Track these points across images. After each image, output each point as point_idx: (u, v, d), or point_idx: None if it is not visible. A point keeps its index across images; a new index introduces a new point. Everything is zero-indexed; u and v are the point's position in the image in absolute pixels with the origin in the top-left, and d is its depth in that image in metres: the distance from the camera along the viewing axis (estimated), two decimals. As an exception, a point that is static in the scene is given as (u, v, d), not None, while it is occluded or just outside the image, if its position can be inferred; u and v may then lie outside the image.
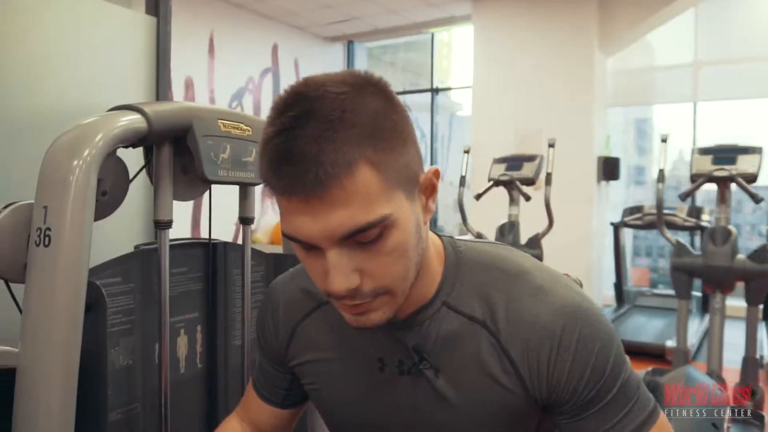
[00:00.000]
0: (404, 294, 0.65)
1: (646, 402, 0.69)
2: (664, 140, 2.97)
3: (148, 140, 0.99)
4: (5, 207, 0.91)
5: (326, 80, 0.60)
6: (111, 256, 1.05)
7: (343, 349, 0.78)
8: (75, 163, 0.87)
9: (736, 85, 5.76)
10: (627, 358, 0.70)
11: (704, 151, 2.90)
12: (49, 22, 1.19)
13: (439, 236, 0.75)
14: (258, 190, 1.23)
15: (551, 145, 3.42)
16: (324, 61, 6.89)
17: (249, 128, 1.13)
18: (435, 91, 6.73)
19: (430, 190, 0.66)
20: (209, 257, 1.26)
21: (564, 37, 5.62)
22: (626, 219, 5.29)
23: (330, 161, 0.56)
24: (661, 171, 2.93)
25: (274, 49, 6.25)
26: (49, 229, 0.86)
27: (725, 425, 1.74)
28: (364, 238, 0.59)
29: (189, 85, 5.17)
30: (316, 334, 0.80)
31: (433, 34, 6.73)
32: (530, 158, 3.57)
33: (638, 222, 5.24)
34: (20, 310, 0.92)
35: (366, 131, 0.58)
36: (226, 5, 5.61)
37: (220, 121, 1.07)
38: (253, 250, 1.31)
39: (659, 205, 2.89)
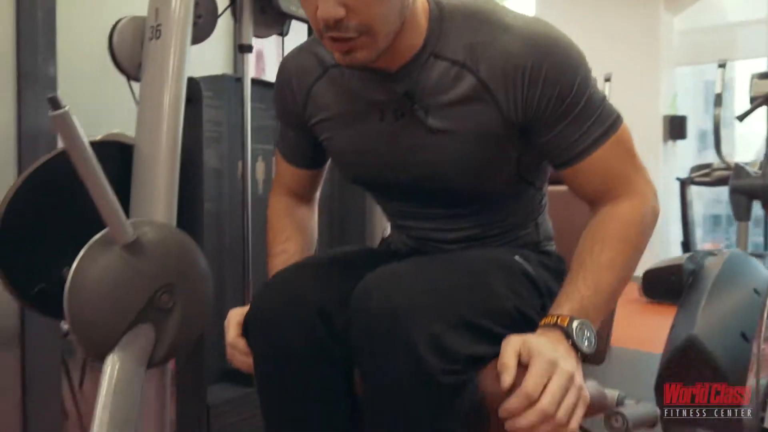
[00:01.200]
0: (386, 38, 0.75)
1: (609, 113, 0.82)
2: (722, 65, 2.98)
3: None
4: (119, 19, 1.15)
5: None
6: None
7: (349, 104, 0.89)
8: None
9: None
10: (593, 77, 0.83)
11: (763, 76, 2.89)
12: None
13: None
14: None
15: (607, 80, 3.45)
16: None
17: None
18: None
19: None
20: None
21: (629, -2, 5.59)
22: (693, 176, 5.20)
23: None
24: (718, 95, 2.95)
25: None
26: (159, 25, 1.09)
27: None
28: None
29: None
30: (326, 95, 0.92)
31: None
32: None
33: (706, 179, 5.14)
34: (137, 103, 1.15)
35: None
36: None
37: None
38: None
39: (716, 127, 2.90)
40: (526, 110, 0.79)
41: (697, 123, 6.63)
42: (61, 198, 1.04)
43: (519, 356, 0.67)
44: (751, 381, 1.74)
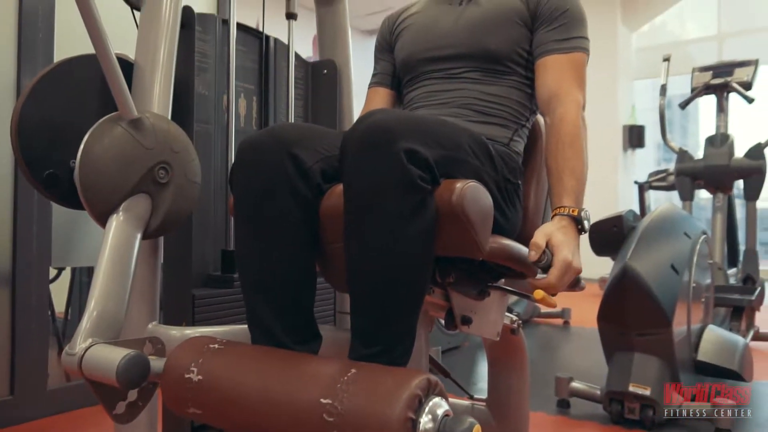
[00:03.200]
0: None
1: (580, 45, 1.18)
2: (666, 59, 3.25)
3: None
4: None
5: None
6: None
7: (431, 4, 1.31)
8: None
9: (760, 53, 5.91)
10: (585, 18, 1.21)
11: (704, 69, 3.17)
12: None
13: None
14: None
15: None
16: (361, 57, 7.35)
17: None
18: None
19: None
20: (261, 46, 1.65)
21: (589, 13, 5.92)
22: (650, 180, 5.50)
23: None
24: (663, 86, 3.21)
25: (314, 41, 6.75)
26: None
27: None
28: None
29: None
30: (412, 9, 1.35)
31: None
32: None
33: (662, 183, 5.45)
34: (137, 25, 1.32)
35: None
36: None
37: None
38: (296, 54, 1.70)
39: (662, 115, 3.16)
40: (537, 6, 1.19)
41: (657, 136, 6.98)
42: (72, 101, 1.19)
43: (549, 239, 0.94)
44: (683, 317, 1.95)
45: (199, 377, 0.79)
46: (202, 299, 1.35)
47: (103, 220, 1.07)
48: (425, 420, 0.66)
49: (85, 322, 0.96)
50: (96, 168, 1.04)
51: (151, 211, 1.11)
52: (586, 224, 1.01)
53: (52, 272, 2.08)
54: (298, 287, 0.97)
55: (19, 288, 1.88)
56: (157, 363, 0.89)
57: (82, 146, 1.04)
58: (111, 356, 0.86)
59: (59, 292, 2.48)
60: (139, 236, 1.09)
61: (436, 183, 0.88)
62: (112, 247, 1.05)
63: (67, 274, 2.61)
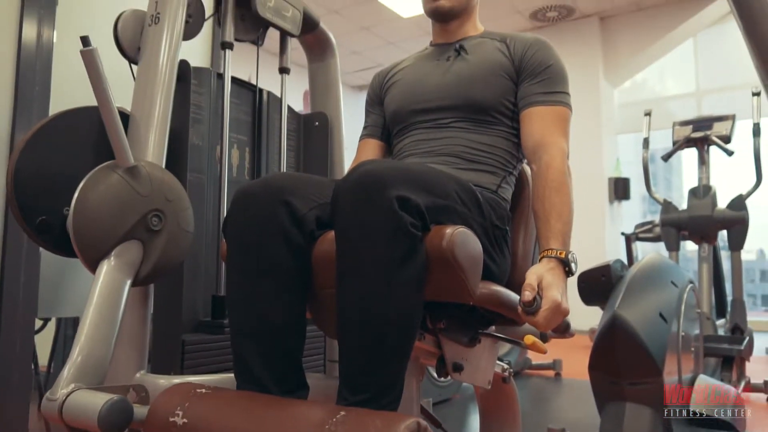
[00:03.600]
0: (460, 3, 1.33)
1: (563, 100, 1.25)
2: (647, 114, 3.35)
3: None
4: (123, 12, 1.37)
5: None
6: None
7: (420, 59, 1.40)
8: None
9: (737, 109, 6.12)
10: (567, 75, 1.27)
11: (684, 123, 3.27)
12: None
13: None
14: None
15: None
16: (351, 112, 7.50)
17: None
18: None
19: None
20: (255, 99, 1.69)
21: (570, 70, 6.13)
22: (637, 231, 5.57)
23: None
24: (646, 139, 3.30)
25: (305, 95, 6.91)
26: (159, 13, 1.31)
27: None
28: None
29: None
30: (403, 63, 1.43)
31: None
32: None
33: (648, 234, 5.52)
34: (134, 78, 1.36)
35: None
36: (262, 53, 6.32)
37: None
38: (289, 107, 1.74)
39: (645, 167, 3.23)
40: (521, 61, 1.27)
41: (641, 188, 7.12)
42: (65, 152, 1.21)
43: (539, 281, 0.97)
44: (674, 368, 1.94)
45: (184, 420, 0.78)
46: (192, 345, 1.33)
47: (93, 265, 1.07)
48: None
49: (68, 368, 0.94)
50: (90, 213, 1.05)
51: (142, 258, 1.12)
52: (573, 266, 1.04)
53: (38, 323, 2.06)
54: (288, 334, 0.97)
55: (3, 338, 1.85)
56: (140, 410, 0.88)
57: (77, 192, 1.05)
58: (93, 401, 0.85)
59: (43, 344, 2.43)
60: (128, 282, 1.10)
61: (426, 229, 0.89)
62: (101, 292, 1.05)
63: (51, 326, 2.57)
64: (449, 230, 0.88)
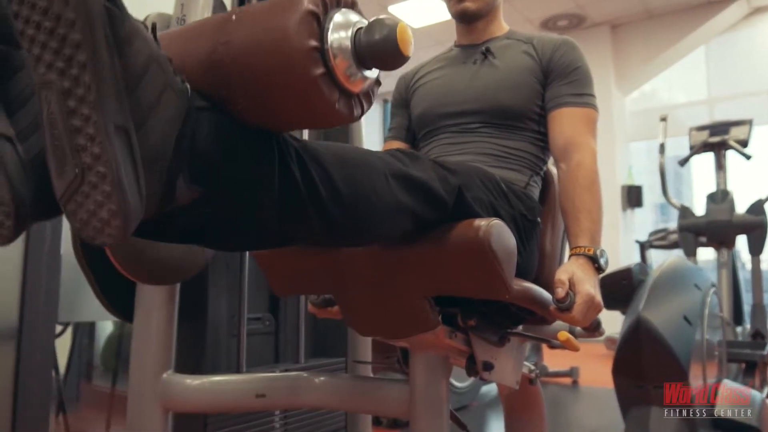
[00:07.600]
0: (488, 2, 1.31)
1: (591, 102, 1.23)
2: (663, 119, 3.34)
3: None
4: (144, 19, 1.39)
5: None
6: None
7: (447, 60, 1.38)
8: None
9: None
10: (592, 77, 1.25)
11: (701, 128, 3.26)
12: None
13: None
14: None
15: None
16: (368, 121, 7.54)
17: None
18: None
19: None
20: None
21: (582, 78, 6.14)
22: (651, 239, 5.53)
23: None
24: (662, 144, 3.29)
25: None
26: (185, 15, 1.32)
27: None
28: None
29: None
30: (430, 64, 1.40)
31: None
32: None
33: (663, 242, 5.48)
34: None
35: None
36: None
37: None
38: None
39: (662, 172, 3.22)
40: (550, 62, 1.25)
41: (655, 197, 7.09)
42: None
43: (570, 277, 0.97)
44: (699, 372, 1.92)
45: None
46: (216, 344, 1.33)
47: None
48: (334, 38, 0.56)
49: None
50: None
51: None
52: (603, 263, 1.02)
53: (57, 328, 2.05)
54: None
55: (24, 344, 1.85)
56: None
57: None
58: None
59: (60, 351, 2.43)
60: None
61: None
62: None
63: (67, 335, 2.57)
64: (484, 222, 0.86)
